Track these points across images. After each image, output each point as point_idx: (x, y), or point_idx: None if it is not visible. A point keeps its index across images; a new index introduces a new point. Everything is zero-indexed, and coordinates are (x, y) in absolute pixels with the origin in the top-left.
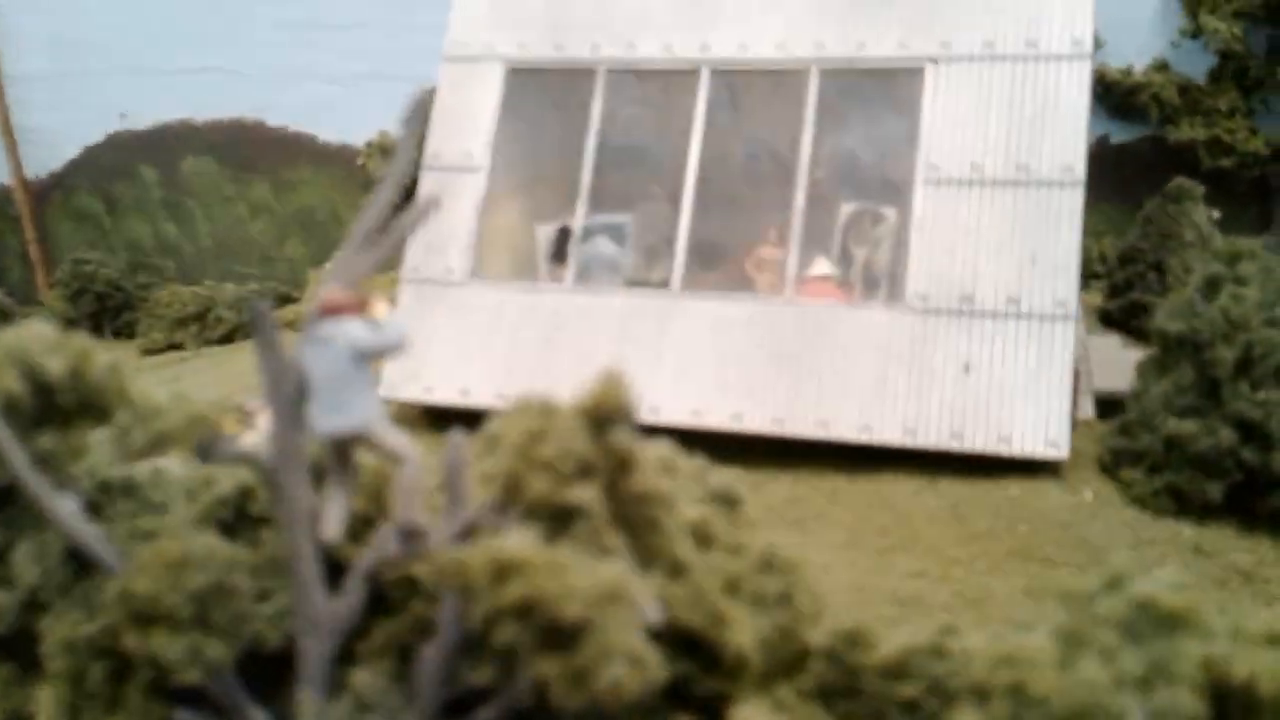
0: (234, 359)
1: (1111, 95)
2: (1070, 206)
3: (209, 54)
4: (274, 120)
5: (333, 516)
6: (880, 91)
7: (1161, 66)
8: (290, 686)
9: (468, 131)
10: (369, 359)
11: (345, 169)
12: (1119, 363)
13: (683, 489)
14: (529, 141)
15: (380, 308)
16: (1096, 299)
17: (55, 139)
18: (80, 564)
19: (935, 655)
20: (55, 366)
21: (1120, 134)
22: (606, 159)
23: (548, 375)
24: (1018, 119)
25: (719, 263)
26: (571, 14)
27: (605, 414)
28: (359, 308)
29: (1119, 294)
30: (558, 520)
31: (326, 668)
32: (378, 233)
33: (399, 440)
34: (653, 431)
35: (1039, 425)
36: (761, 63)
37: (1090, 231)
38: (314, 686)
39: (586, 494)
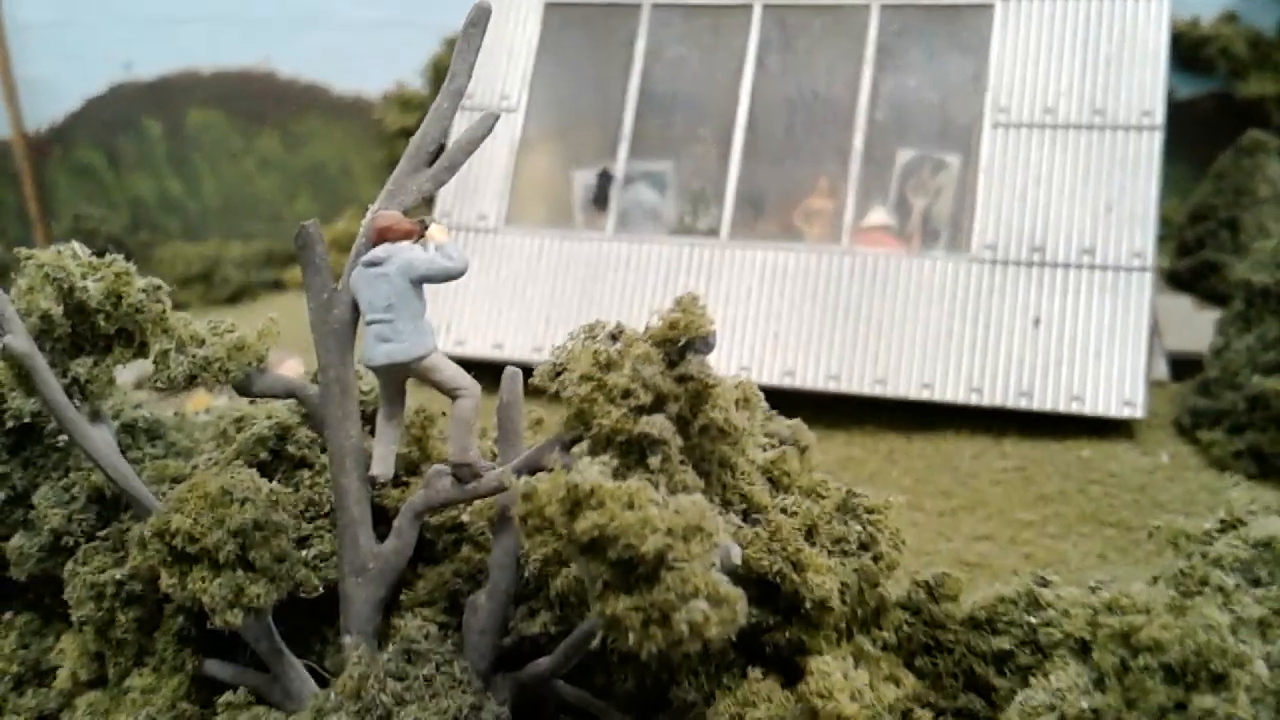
0: (241, 321)
1: (1178, 47)
2: (1148, 152)
3: (216, 1)
4: (284, 70)
5: (383, 454)
6: (946, 29)
7: (1230, 18)
8: (329, 636)
9: (503, 70)
10: (427, 284)
11: (360, 122)
12: (1193, 323)
13: (755, 428)
14: (567, 82)
15: (439, 231)
16: (1164, 260)
17: (56, 90)
18: (108, 507)
19: (1030, 605)
20: (94, 289)
21: (1186, 88)
22: (649, 102)
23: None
24: (1093, 59)
25: (766, 214)
26: None
27: (682, 340)
28: (416, 232)
29: (1189, 253)
30: (630, 452)
31: (374, 615)
32: (431, 155)
33: (455, 371)
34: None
35: (1113, 383)
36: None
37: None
38: (362, 634)
39: (662, 425)
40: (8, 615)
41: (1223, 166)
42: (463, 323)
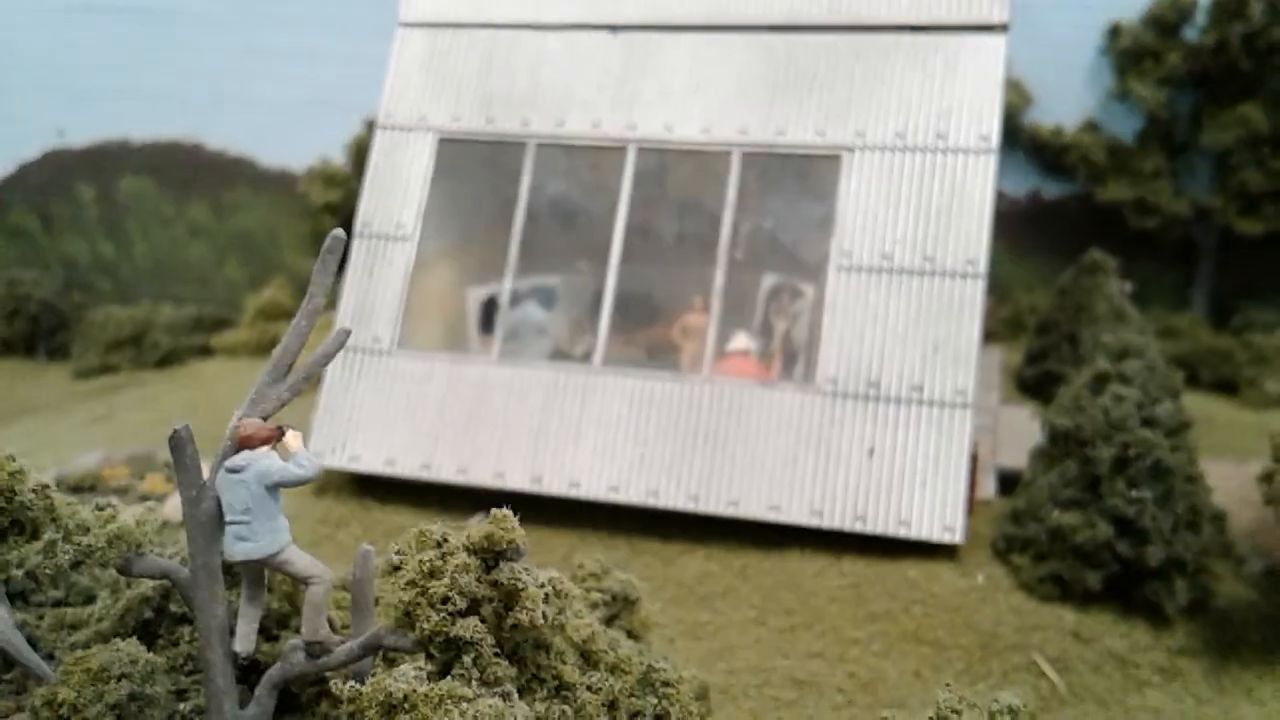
0: (166, 389)
1: (1043, 153)
2: (972, 298)
3: (147, 77)
4: (213, 143)
5: (244, 632)
6: (798, 176)
7: (1091, 127)
8: None
9: (399, 200)
10: (278, 488)
11: (286, 194)
12: (1026, 436)
13: (576, 601)
14: (459, 209)
15: (295, 439)
16: (1016, 357)
17: None
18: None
19: None
20: None
21: (1051, 190)
22: (536, 227)
23: (471, 447)
24: (925, 210)
25: (647, 327)
26: (503, 89)
27: (495, 550)
28: (274, 438)
29: (1035, 362)
30: (449, 649)
31: None
32: (290, 365)
33: (308, 562)
34: (573, 505)
35: (936, 510)
36: (686, 143)
37: (1022, 284)
38: None
39: (474, 627)
40: None
41: (1065, 283)
42: (357, 440)
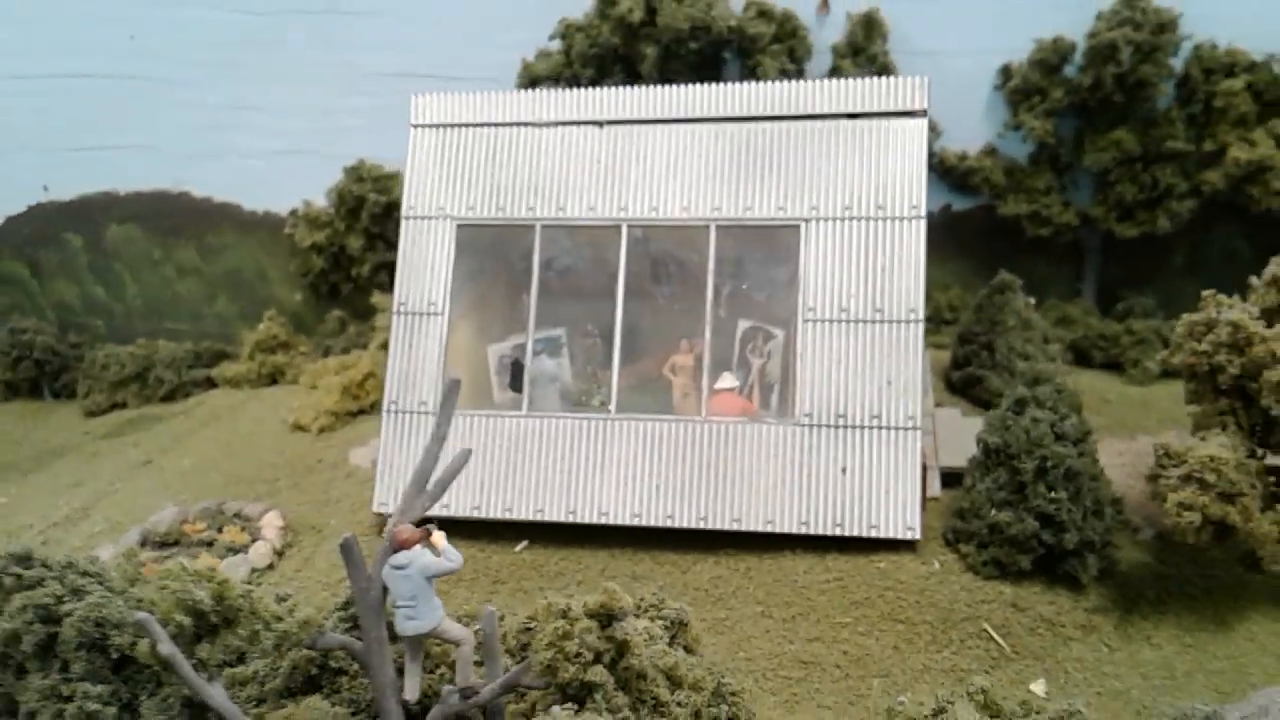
0: (187, 426)
1: (952, 174)
2: (914, 339)
3: (129, 134)
4: (197, 191)
5: (412, 684)
6: (766, 244)
7: (991, 152)
8: None
9: (428, 280)
10: (435, 579)
11: (270, 233)
12: (961, 435)
13: (659, 642)
14: (479, 282)
15: (440, 537)
16: (944, 358)
17: None
18: (196, 710)
19: None
20: (203, 596)
21: (960, 204)
22: (547, 294)
23: (513, 489)
24: (872, 269)
25: (641, 363)
26: (508, 180)
27: (608, 614)
28: (424, 537)
29: (960, 366)
30: (583, 691)
31: None
32: (426, 480)
33: (456, 630)
34: (603, 530)
35: (898, 514)
36: (670, 220)
37: (940, 285)
38: None
39: (599, 673)
40: None
41: (981, 300)
42: None
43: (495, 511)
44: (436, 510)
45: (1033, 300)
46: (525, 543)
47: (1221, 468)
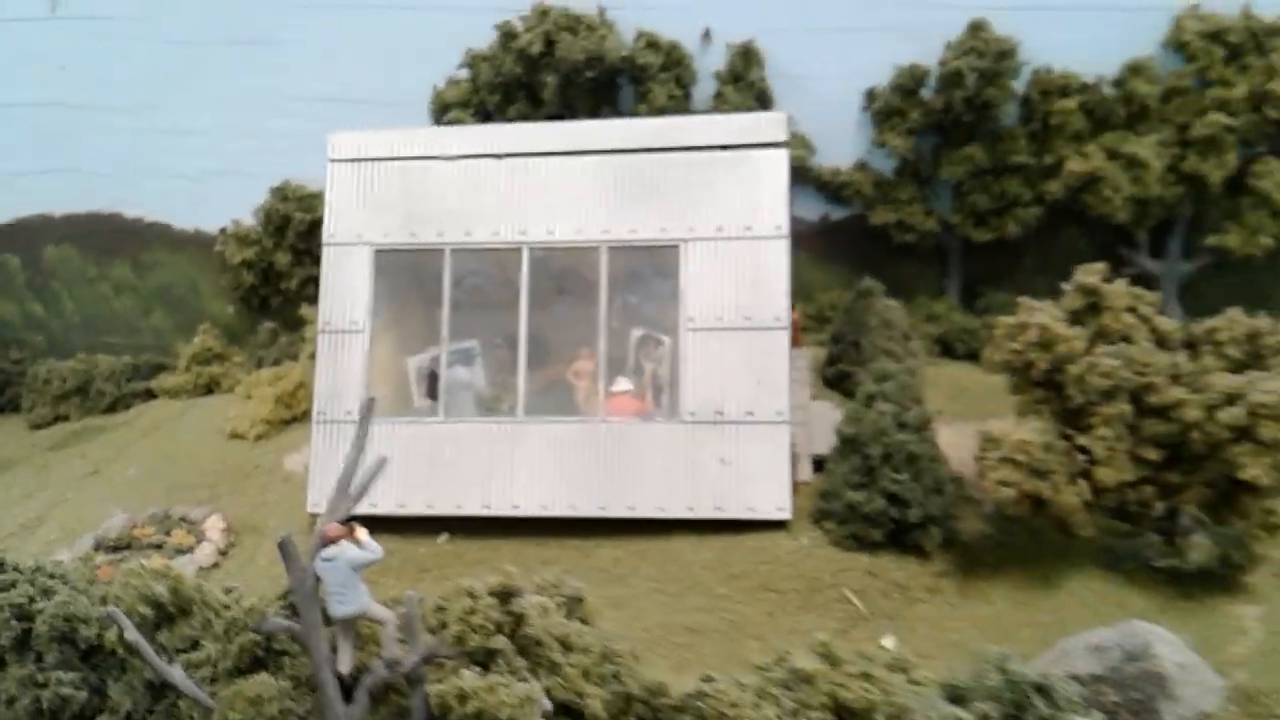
0: (128, 436)
1: (827, 187)
2: (780, 344)
3: (63, 158)
4: (129, 212)
5: (345, 659)
6: (651, 262)
7: (861, 167)
8: None
9: (349, 302)
10: (361, 569)
11: (201, 250)
12: (830, 426)
13: (554, 613)
14: (396, 300)
15: (362, 534)
16: (823, 353)
17: None
18: (157, 692)
19: (697, 697)
20: (161, 590)
21: (837, 213)
22: (458, 310)
23: (433, 487)
24: (743, 283)
25: (547, 369)
26: (420, 209)
27: (507, 592)
28: (348, 535)
29: (833, 363)
30: (490, 657)
31: None
32: (349, 484)
33: (382, 612)
34: (515, 521)
35: (771, 497)
36: (566, 243)
37: (822, 286)
38: None
39: (501, 641)
40: None
41: (848, 304)
42: None
43: (418, 508)
44: (366, 509)
45: (895, 302)
46: (446, 535)
47: (1032, 449)
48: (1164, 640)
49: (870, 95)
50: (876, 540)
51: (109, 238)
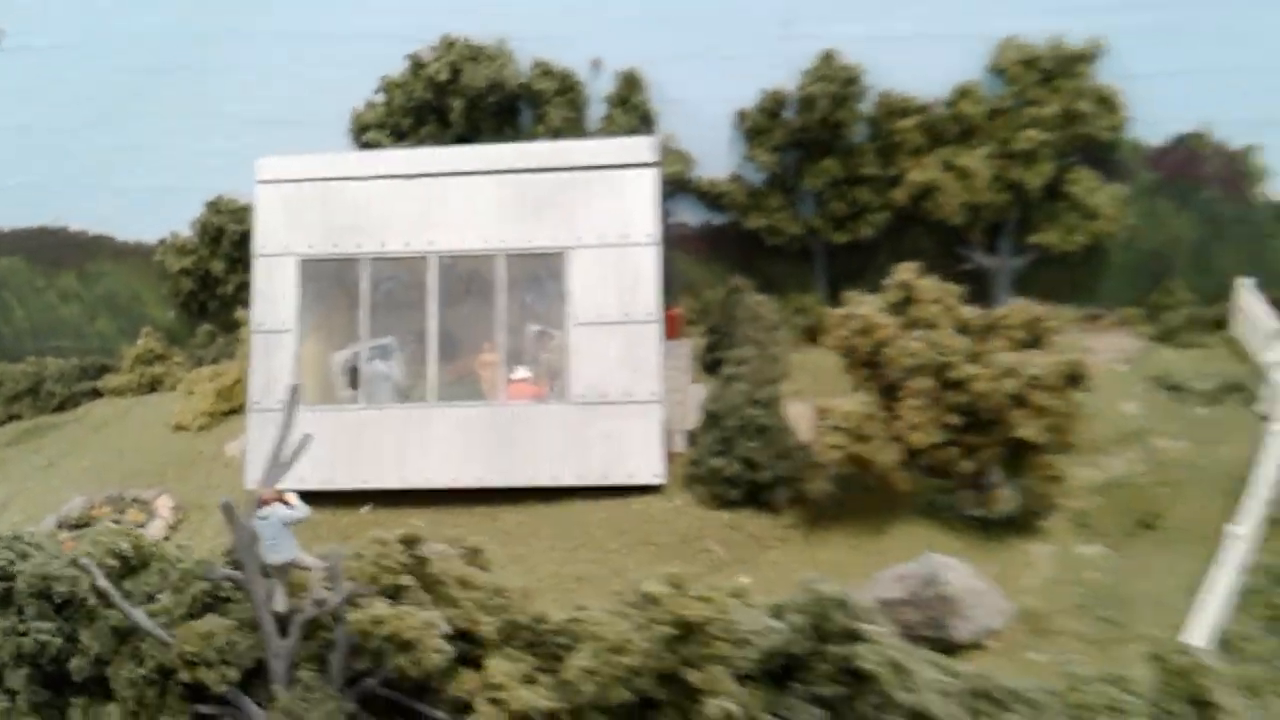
0: (80, 432)
1: (707, 197)
2: (653, 335)
3: (11, 175)
4: (74, 225)
5: (280, 599)
6: (543, 267)
7: (735, 179)
8: (264, 689)
9: (279, 305)
10: (288, 526)
11: (142, 260)
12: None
13: (454, 560)
14: (321, 303)
15: (292, 498)
16: (703, 342)
17: None
18: (124, 636)
19: (570, 622)
20: (125, 545)
21: (717, 220)
22: (376, 311)
23: (355, 466)
24: (621, 284)
25: (458, 361)
26: (340, 223)
27: (411, 539)
28: (279, 498)
29: (710, 351)
30: (400, 591)
31: (285, 674)
32: (279, 458)
33: (310, 560)
34: (429, 492)
35: (649, 466)
36: (469, 251)
37: (707, 284)
38: (281, 684)
39: (407, 579)
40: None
41: (721, 299)
42: None
43: (344, 484)
44: (297, 485)
45: (764, 298)
46: (370, 506)
47: (855, 418)
48: (956, 570)
49: (741, 116)
50: (735, 499)
51: (56, 250)
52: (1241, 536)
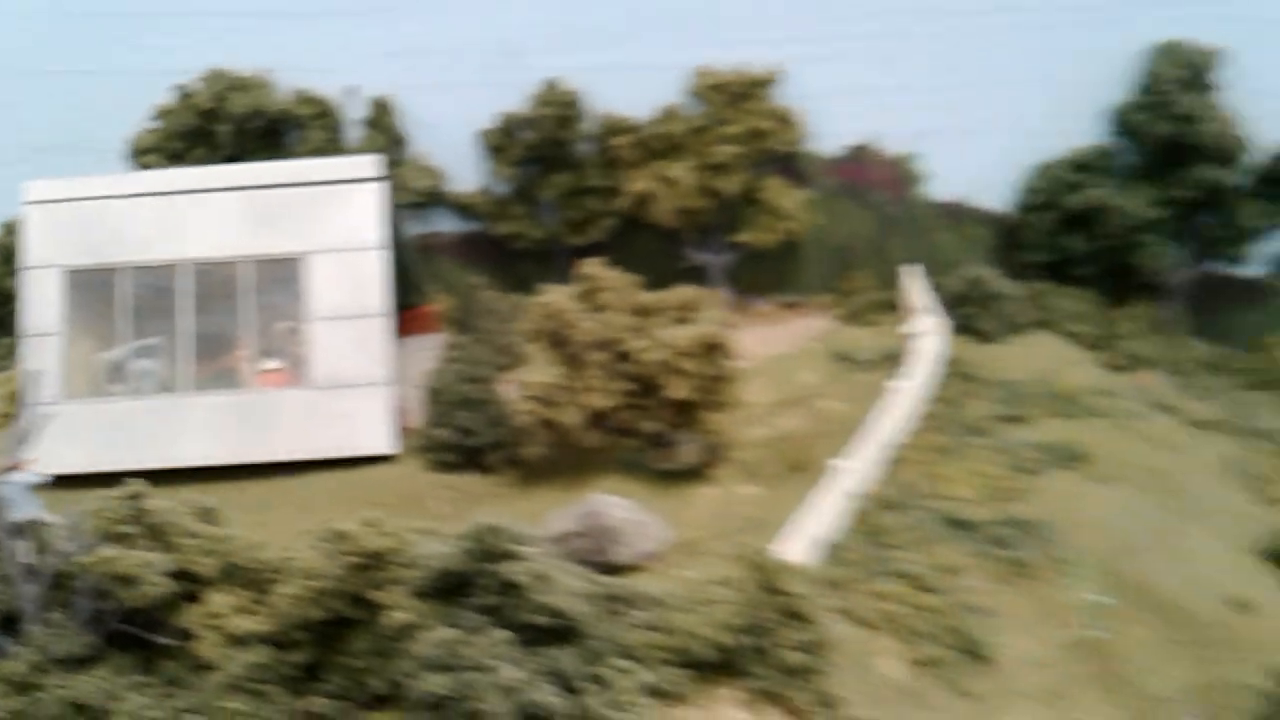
0: None
1: (459, 208)
2: (380, 326)
3: None
4: None
5: (24, 551)
6: (286, 271)
7: (484, 191)
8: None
9: (47, 312)
10: (31, 488)
11: None
12: None
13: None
14: (88, 309)
15: (31, 464)
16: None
17: None
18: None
19: (279, 560)
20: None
21: (471, 227)
22: (137, 314)
23: (119, 450)
24: (354, 283)
25: (218, 359)
26: (99, 238)
27: (135, 495)
28: (20, 466)
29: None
30: (123, 537)
31: (36, 616)
32: (21, 432)
33: (51, 518)
34: (185, 470)
35: (379, 439)
36: (216, 259)
37: (465, 285)
38: (35, 626)
39: (134, 528)
40: None
41: (464, 296)
42: (52, 456)
43: (107, 466)
44: (67, 469)
45: (494, 292)
46: (136, 485)
47: (545, 388)
48: (620, 506)
49: (484, 135)
50: (455, 463)
51: None
52: (846, 470)
